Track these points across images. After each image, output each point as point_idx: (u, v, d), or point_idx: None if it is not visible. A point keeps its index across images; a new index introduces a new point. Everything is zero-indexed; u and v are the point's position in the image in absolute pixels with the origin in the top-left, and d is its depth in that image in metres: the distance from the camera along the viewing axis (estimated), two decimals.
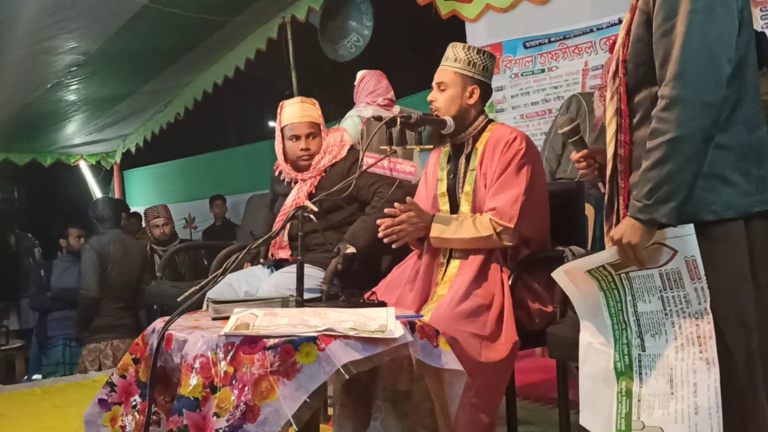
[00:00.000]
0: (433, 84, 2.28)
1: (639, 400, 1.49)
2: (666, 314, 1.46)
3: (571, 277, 1.60)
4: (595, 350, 1.58)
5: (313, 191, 2.74)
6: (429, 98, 2.27)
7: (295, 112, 2.79)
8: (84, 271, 4.54)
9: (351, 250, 2.53)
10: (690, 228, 1.42)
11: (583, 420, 1.57)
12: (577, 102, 3.54)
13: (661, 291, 1.47)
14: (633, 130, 1.53)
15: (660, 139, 1.41)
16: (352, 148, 2.84)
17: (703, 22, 1.38)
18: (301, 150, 2.76)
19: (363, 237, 2.59)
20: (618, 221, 1.55)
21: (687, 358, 1.43)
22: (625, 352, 1.53)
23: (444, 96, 2.24)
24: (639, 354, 1.51)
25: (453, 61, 2.25)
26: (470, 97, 2.25)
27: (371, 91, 3.61)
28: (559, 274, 1.62)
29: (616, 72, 1.57)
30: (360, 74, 3.68)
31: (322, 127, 2.83)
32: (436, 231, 2.16)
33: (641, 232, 1.44)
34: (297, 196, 2.76)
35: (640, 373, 1.49)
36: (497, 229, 2.12)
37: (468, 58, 2.23)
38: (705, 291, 1.41)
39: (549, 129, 3.70)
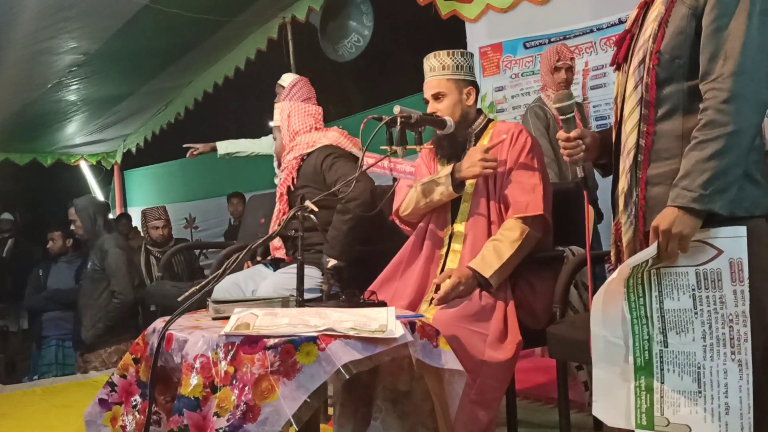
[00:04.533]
0: (428, 96, 2.28)
1: (662, 396, 1.48)
2: (696, 313, 1.45)
3: (608, 294, 1.54)
4: (608, 343, 1.56)
5: (294, 176, 2.81)
6: (429, 110, 2.27)
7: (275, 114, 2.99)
8: (120, 277, 4.35)
9: (332, 262, 2.50)
10: (742, 230, 1.41)
11: (596, 410, 1.56)
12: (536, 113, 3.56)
13: (694, 289, 1.46)
14: (657, 122, 1.53)
15: (719, 130, 1.41)
16: (331, 146, 2.79)
17: (759, 25, 1.43)
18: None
19: (337, 245, 2.58)
20: (637, 212, 1.54)
21: (717, 358, 1.42)
22: (645, 347, 1.52)
23: (444, 104, 2.26)
24: (660, 350, 1.50)
25: (441, 69, 2.26)
26: (468, 98, 2.29)
27: (307, 98, 3.23)
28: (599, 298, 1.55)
29: (642, 62, 1.55)
30: (291, 80, 3.26)
31: (282, 128, 2.91)
32: (488, 271, 2.04)
33: (693, 223, 1.43)
34: (280, 186, 2.89)
35: (662, 369, 1.49)
36: (526, 222, 2.12)
37: (455, 62, 2.26)
38: (745, 294, 1.40)
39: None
